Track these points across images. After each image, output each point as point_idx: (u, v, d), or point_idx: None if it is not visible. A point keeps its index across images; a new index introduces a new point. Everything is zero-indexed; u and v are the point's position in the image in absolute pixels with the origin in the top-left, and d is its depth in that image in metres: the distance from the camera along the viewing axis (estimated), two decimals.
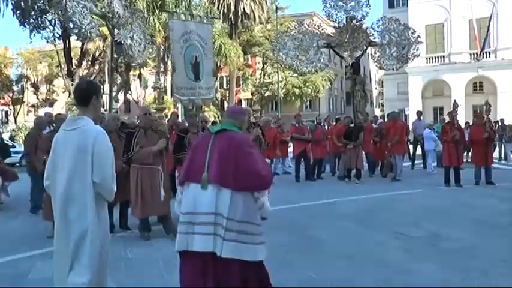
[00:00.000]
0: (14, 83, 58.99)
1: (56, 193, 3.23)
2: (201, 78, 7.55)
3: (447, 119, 12.51)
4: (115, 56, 14.05)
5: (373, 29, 14.10)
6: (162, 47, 36.70)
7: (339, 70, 57.80)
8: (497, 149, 18.25)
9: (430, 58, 39.98)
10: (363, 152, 13.99)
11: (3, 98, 57.94)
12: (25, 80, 60.16)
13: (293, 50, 13.68)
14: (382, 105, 57.10)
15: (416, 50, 14.04)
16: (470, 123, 18.36)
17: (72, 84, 38.93)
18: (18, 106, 59.69)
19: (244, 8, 40.11)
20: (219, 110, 49.54)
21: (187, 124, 7.46)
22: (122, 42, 10.86)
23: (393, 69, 14.45)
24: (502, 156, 18.88)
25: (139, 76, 40.38)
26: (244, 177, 3.30)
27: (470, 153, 16.14)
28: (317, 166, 13.91)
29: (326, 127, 15.40)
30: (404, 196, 10.48)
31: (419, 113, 16.64)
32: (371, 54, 14.43)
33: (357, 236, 6.79)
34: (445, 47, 39.58)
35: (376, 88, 66.90)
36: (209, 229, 3.25)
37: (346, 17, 13.86)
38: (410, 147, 16.91)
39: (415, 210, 8.80)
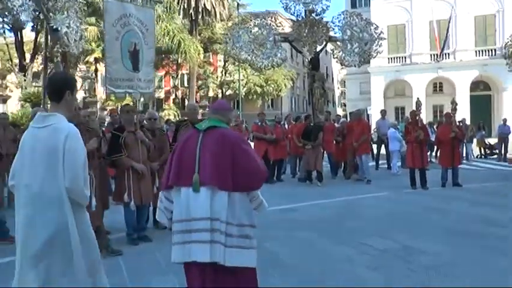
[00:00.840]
0: None
1: (21, 194, 2.97)
2: (140, 69, 6.55)
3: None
4: (50, 43, 12.74)
5: (333, 23, 13.29)
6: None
7: (301, 69, 57.57)
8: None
9: (392, 58, 39.92)
10: (325, 153, 13.28)
11: None
12: None
13: (248, 44, 12.79)
14: (345, 105, 57.09)
15: (379, 47, 13.34)
16: (434, 123, 18.05)
17: (24, 80, 37.05)
18: None
19: (205, 4, 39.01)
20: (179, 108, 48.45)
21: (122, 121, 6.55)
22: (59, 29, 9.75)
23: (355, 65, 13.75)
24: (464, 156, 18.53)
25: (96, 71, 38.64)
26: (244, 175, 3.14)
27: (435, 154, 15.82)
28: (276, 167, 13.09)
29: (286, 126, 14.59)
30: (369, 200, 9.76)
31: (383, 112, 16.04)
32: (332, 50, 13.58)
33: (319, 250, 5.95)
34: (406, 48, 39.60)
35: (338, 88, 66.99)
36: (206, 236, 3.04)
37: (305, 10, 12.99)
38: (374, 147, 16.35)
39: (382, 217, 8.06)
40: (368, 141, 12.94)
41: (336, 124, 14.26)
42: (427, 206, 8.89)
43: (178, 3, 39.76)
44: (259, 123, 12.54)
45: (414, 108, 11.23)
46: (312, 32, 12.76)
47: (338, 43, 13.46)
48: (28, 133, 3.07)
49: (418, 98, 11.73)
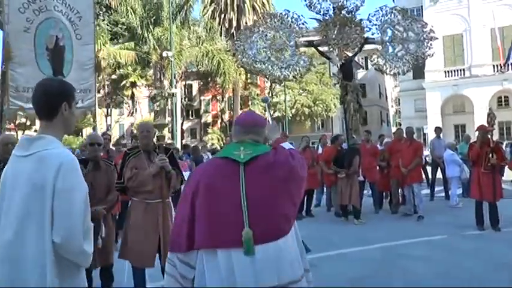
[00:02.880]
0: None
1: None
2: (66, 73, 4.62)
3: (474, 136, 9.19)
4: None
5: (370, 21, 10.80)
6: (158, 66, 34.23)
7: None
8: None
9: (448, 72, 36.67)
10: (367, 182, 10.84)
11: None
12: None
13: (263, 51, 10.60)
14: (399, 124, 53.61)
15: (429, 49, 10.73)
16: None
17: None
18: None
19: (247, 23, 37.43)
20: (224, 133, 46.95)
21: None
22: None
23: (399, 73, 11.24)
24: None
25: (132, 96, 37.73)
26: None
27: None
28: (306, 200, 10.73)
29: (320, 149, 12.19)
30: (418, 248, 7.22)
31: (438, 130, 13.35)
32: (368, 56, 11.06)
33: None
34: (465, 59, 36.22)
35: (392, 106, 63.47)
36: None
37: (334, 7, 10.58)
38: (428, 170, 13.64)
39: (433, 279, 5.58)
40: (421, 166, 10.37)
41: (378, 146, 11.77)
42: (500, 262, 6.28)
43: (219, 23, 38.58)
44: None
45: (486, 121, 8.55)
46: (342, 33, 10.36)
47: (376, 46, 10.95)
48: (10, 164, 2.33)
49: (490, 109, 9.03)
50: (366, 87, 58.48)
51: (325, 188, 11.76)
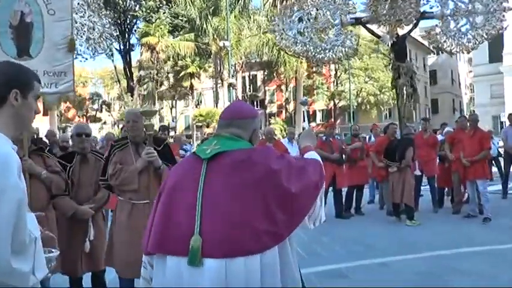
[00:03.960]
0: (89, 102, 59.86)
1: None
2: (34, 53, 3.95)
3: None
4: None
5: None
6: (218, 56, 33.91)
7: (421, 74, 52.32)
8: None
9: None
10: (425, 178, 9.63)
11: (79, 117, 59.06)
12: (98, 98, 61.07)
13: (305, 31, 9.51)
14: (474, 112, 50.33)
15: (501, 21, 9.18)
16: None
17: (131, 100, 37.46)
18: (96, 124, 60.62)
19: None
20: (287, 123, 46.11)
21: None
22: None
23: (462, 51, 9.79)
24: None
25: (191, 87, 37.65)
26: (295, 212, 2.01)
27: None
28: (355, 197, 9.67)
29: (372, 140, 11.02)
30: (479, 259, 6.01)
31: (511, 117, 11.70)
32: (429, 34, 9.57)
33: None
34: None
35: (466, 93, 59.69)
36: None
37: None
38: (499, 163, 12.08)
39: None
40: (487, 159, 9.00)
41: (439, 135, 10.45)
42: None
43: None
44: (324, 138, 9.20)
45: None
46: (394, 7, 9.04)
47: (436, 21, 9.55)
48: None
49: None
50: (436, 73, 55.60)
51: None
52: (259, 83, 54.78)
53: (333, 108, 47.94)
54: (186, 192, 2.02)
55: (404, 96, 9.17)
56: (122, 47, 38.25)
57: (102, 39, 7.69)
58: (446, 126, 11.66)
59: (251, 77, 53.05)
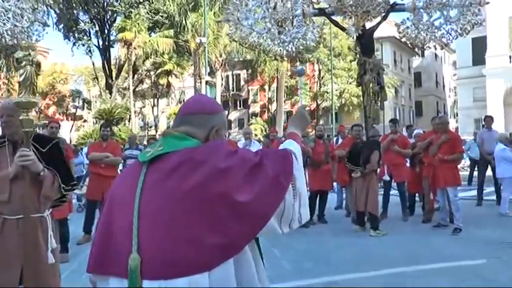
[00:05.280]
0: (69, 99, 58.86)
1: None
2: None
3: None
4: None
5: None
6: (197, 54, 33.04)
7: (406, 76, 52.00)
8: None
9: None
10: (394, 183, 8.93)
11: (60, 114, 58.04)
12: (79, 95, 60.17)
13: (262, 21, 8.73)
14: (457, 115, 50.06)
15: (476, 16, 8.46)
16: None
17: (110, 98, 36.45)
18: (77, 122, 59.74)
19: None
20: (268, 123, 45.47)
21: None
22: None
23: (435, 47, 9.06)
24: None
25: (168, 85, 36.72)
26: (249, 214, 1.61)
27: None
28: (318, 202, 8.92)
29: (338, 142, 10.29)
30: (453, 278, 5.27)
31: (489, 120, 10.99)
32: (399, 28, 8.80)
33: None
34: None
35: (449, 96, 59.54)
36: None
37: None
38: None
39: None
40: (458, 164, 8.33)
41: (411, 139, 9.74)
42: None
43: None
44: (283, 139, 8.43)
45: None
46: None
47: (408, 14, 8.78)
48: None
49: None
50: (421, 75, 55.31)
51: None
52: (242, 82, 54.10)
53: (315, 108, 47.32)
54: (124, 203, 1.70)
55: (371, 94, 8.40)
56: (100, 43, 37.26)
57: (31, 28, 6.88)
58: (414, 128, 11.03)
59: (234, 76, 52.34)
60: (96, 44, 37.69)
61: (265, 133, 38.49)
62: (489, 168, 10.56)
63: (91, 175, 8.23)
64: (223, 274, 1.59)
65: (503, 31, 33.45)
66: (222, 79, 43.49)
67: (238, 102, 55.96)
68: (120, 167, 9.01)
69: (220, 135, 1.86)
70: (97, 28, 37.09)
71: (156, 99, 49.32)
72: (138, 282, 1.57)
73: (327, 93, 43.36)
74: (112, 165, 7.91)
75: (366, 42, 8.59)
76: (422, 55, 54.66)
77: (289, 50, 8.77)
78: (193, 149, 1.70)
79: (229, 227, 1.58)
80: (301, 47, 8.89)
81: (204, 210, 1.57)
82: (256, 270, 1.72)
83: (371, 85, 8.38)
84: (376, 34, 9.03)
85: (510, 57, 33.25)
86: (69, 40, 37.66)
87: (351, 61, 40.09)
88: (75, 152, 11.01)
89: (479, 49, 35.33)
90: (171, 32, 33.44)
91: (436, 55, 55.35)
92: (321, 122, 45.63)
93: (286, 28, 8.79)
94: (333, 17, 9.09)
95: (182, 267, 1.56)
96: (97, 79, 40.25)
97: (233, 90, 53.75)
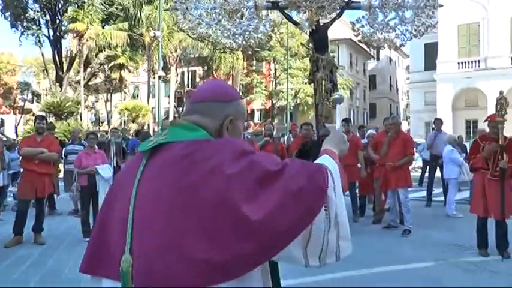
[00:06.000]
0: (17, 91, 56.61)
1: None
2: None
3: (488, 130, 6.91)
4: None
5: None
6: (151, 48, 32.31)
7: (361, 79, 52.83)
8: None
9: (462, 63, 34.22)
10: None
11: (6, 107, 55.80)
12: (27, 88, 57.93)
13: (212, 12, 8.42)
14: (409, 118, 51.32)
15: (430, 18, 8.45)
16: None
17: (60, 91, 35.06)
18: (25, 115, 57.42)
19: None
20: None
21: None
22: None
23: (389, 47, 9.01)
24: None
25: (121, 80, 35.75)
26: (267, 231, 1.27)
27: None
28: None
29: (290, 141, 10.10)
30: (401, 282, 5.13)
31: (438, 122, 11.10)
32: (354, 26, 8.68)
33: None
34: (480, 50, 33.68)
35: (402, 99, 61.01)
36: None
37: None
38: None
39: None
40: (409, 166, 8.29)
41: (363, 140, 9.67)
42: None
43: None
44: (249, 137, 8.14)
45: (495, 109, 6.41)
46: None
47: (362, 12, 8.66)
48: None
49: (501, 92, 6.63)
50: (376, 78, 56.32)
51: None
52: (198, 79, 53.50)
53: (270, 107, 47.34)
54: (121, 196, 1.49)
55: (323, 92, 8.22)
56: (51, 34, 35.84)
57: None
58: (365, 128, 10.99)
59: (190, 73, 51.66)
60: (47, 35, 36.32)
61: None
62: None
63: (24, 172, 7.52)
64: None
65: (453, 38, 34.42)
66: (177, 75, 42.86)
67: None
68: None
69: (236, 127, 1.58)
70: (47, 17, 35.71)
71: (109, 94, 48.01)
72: (130, 286, 1.35)
73: (282, 92, 43.42)
74: (47, 162, 7.31)
75: (319, 39, 8.39)
76: (377, 58, 55.74)
77: (239, 42, 8.48)
78: (197, 142, 1.43)
79: (230, 243, 1.29)
80: (251, 41, 8.60)
81: (199, 216, 1.30)
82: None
83: (323, 82, 8.20)
84: (332, 36, 8.89)
85: (458, 63, 34.24)
86: (17, 29, 36.13)
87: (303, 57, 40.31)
88: (12, 146, 10.31)
89: (431, 55, 36.25)
90: (126, 25, 32.60)
91: (390, 59, 56.58)
92: (276, 121, 45.69)
93: (237, 20, 8.49)
94: (287, 12, 8.86)
95: (166, 281, 1.30)
96: (47, 71, 38.67)
97: (188, 87, 53.04)
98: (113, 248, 1.45)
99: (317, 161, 1.55)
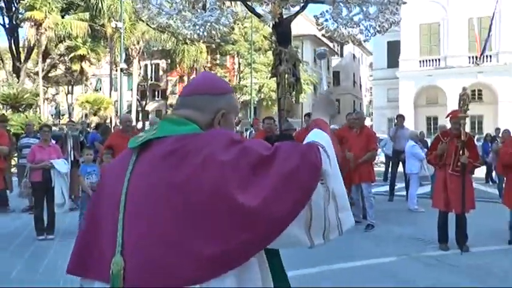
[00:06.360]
0: None
1: None
2: None
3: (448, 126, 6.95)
4: None
5: None
6: (113, 40, 31.54)
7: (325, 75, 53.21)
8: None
9: (423, 61, 35.07)
10: None
11: None
12: None
13: (172, 2, 8.24)
14: (372, 114, 52.15)
15: (394, 15, 8.48)
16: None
17: (17, 82, 33.80)
18: None
19: None
20: None
21: None
22: None
23: (353, 42, 9.01)
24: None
25: (82, 72, 34.81)
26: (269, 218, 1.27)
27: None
28: None
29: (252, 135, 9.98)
30: (366, 277, 5.10)
31: (400, 118, 11.23)
32: (318, 20, 8.62)
33: None
34: (440, 49, 34.58)
35: (366, 96, 61.90)
36: None
37: None
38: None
39: None
40: (373, 161, 8.31)
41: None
42: None
43: None
44: None
45: (458, 105, 6.45)
46: None
47: (326, 6, 8.60)
48: None
49: (464, 88, 6.67)
50: (340, 74, 56.85)
51: None
52: (161, 72, 52.72)
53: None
54: (110, 194, 1.45)
55: (285, 85, 8.11)
56: (7, 22, 34.49)
57: None
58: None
59: (153, 66, 50.86)
60: (2, 23, 34.94)
61: None
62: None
63: None
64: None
65: (415, 37, 35.14)
66: (140, 68, 42.13)
67: (156, 93, 54.50)
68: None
69: (228, 121, 1.55)
70: (2, 4, 34.30)
71: (70, 87, 46.67)
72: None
73: (246, 87, 43.31)
74: None
75: (282, 32, 8.28)
76: (341, 55, 56.28)
77: (200, 34, 8.28)
78: (188, 136, 1.41)
79: (228, 233, 1.28)
80: (213, 32, 8.40)
81: (195, 210, 1.28)
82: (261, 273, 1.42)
83: (286, 76, 8.09)
84: (296, 31, 8.78)
85: (420, 62, 34.96)
86: None
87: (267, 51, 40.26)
88: None
89: (394, 52, 36.86)
90: (86, 15, 31.71)
91: (354, 56, 57.21)
92: (240, 115, 45.59)
93: (199, 11, 8.28)
94: (250, 3, 8.71)
95: (165, 278, 1.29)
96: (3, 61, 37.22)
97: (151, 80, 52.20)
98: (104, 247, 1.42)
99: (309, 136, 1.51)
